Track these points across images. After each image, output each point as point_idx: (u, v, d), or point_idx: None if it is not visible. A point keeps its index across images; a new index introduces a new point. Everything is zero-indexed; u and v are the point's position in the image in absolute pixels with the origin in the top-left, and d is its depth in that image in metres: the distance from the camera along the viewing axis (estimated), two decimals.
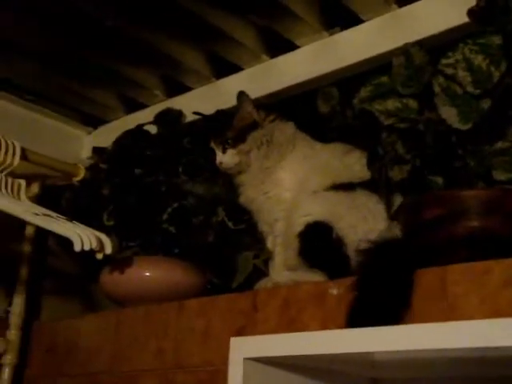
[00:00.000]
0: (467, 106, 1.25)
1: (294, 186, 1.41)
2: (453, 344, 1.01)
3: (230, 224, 1.64)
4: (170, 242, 1.68)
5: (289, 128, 1.47)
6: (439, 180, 1.30)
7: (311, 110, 1.41)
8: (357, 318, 1.07)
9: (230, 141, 1.47)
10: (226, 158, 1.48)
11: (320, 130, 1.40)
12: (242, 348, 1.16)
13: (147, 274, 1.64)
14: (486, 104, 1.24)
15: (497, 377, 1.10)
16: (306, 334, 1.13)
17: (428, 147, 1.27)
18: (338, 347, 1.06)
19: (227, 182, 1.64)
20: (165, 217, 1.67)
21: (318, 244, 1.29)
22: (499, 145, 1.23)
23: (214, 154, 1.52)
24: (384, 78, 1.39)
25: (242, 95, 1.48)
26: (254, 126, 1.47)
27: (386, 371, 1.21)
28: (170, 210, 1.67)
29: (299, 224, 1.31)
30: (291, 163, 1.43)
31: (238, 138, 1.47)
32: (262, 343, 1.14)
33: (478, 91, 1.23)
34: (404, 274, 1.06)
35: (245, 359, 1.13)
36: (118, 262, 1.63)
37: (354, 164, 1.37)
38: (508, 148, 1.22)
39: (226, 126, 1.48)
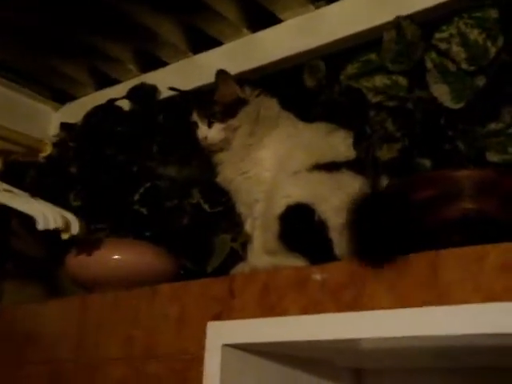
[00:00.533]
0: (460, 84, 1.19)
1: (275, 166, 1.33)
2: (442, 330, 0.95)
3: (205, 207, 1.56)
4: (141, 224, 1.59)
5: (273, 105, 1.39)
6: (427, 162, 1.25)
7: (296, 86, 1.33)
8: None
9: (218, 115, 1.38)
10: (211, 133, 1.38)
11: (306, 106, 1.32)
12: (220, 333, 1.08)
13: (116, 257, 1.55)
14: (480, 82, 1.18)
15: (488, 367, 1.04)
16: (288, 318, 1.06)
17: (417, 127, 1.21)
18: (322, 333, 0.99)
19: (204, 162, 1.56)
20: (136, 197, 1.58)
21: (299, 227, 1.21)
22: (493, 126, 1.17)
23: (194, 129, 1.42)
24: (372, 55, 1.33)
25: (221, 74, 1.39)
26: (244, 101, 1.38)
27: (370, 361, 1.14)
28: (142, 190, 1.58)
29: (279, 206, 1.24)
30: (273, 142, 1.35)
31: (228, 113, 1.37)
32: (241, 328, 1.07)
33: (472, 68, 1.17)
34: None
35: (223, 345, 1.05)
36: (85, 244, 1.54)
37: (338, 143, 1.29)
38: (502, 129, 1.16)
39: (210, 101, 1.38)
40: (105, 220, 1.62)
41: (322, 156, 1.27)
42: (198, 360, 1.25)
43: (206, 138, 1.38)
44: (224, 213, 1.50)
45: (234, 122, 1.37)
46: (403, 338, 0.99)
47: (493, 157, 1.14)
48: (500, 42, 1.13)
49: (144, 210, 1.57)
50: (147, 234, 1.59)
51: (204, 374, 1.11)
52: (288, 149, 1.32)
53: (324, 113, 1.28)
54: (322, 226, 1.19)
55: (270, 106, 1.38)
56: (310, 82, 1.27)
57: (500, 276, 0.97)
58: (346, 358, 1.13)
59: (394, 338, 0.99)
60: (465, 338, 0.95)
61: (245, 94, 1.38)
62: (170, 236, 1.56)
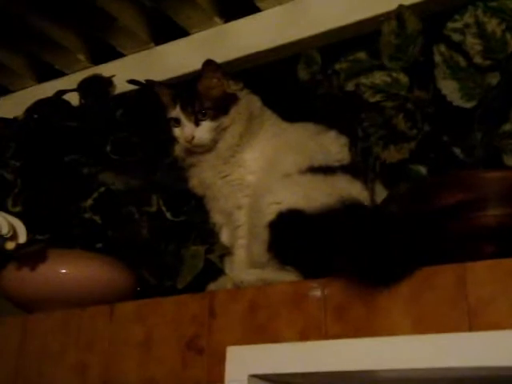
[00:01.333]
0: (471, 81, 1.08)
1: (260, 168, 1.17)
2: (475, 361, 0.82)
3: (168, 215, 1.38)
4: (92, 234, 1.39)
5: (257, 101, 1.24)
6: (422, 169, 1.13)
7: (285, 80, 1.18)
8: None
9: (208, 111, 1.19)
10: (200, 132, 1.19)
11: (298, 101, 1.17)
12: (247, 361, 0.88)
13: (63, 271, 1.33)
14: (493, 79, 1.08)
15: None
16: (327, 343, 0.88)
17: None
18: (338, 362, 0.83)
19: (168, 165, 1.39)
20: (88, 203, 1.38)
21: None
22: (508, 127, 1.07)
23: (170, 128, 1.24)
24: (361, 54, 1.20)
25: (209, 64, 1.20)
26: (234, 96, 1.21)
27: None
28: (95, 195, 1.38)
29: (269, 213, 1.08)
30: (259, 142, 1.19)
31: (219, 110, 1.19)
32: (274, 354, 0.88)
33: (487, 62, 1.06)
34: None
35: (250, 377, 0.86)
36: (25, 256, 1.32)
37: (330, 145, 1.16)
38: None
39: (195, 95, 1.20)
40: (48, 229, 1.41)
41: (314, 158, 1.12)
42: None
43: (192, 137, 1.19)
44: (192, 222, 1.33)
45: (225, 121, 1.19)
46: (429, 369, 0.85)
47: (510, 160, 1.04)
48: None
49: (97, 218, 1.37)
50: (99, 245, 1.39)
51: None
52: (275, 149, 1.17)
53: (321, 108, 1.13)
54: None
55: (254, 102, 1.23)
56: (303, 74, 1.12)
57: None
58: None
59: (418, 370, 0.85)
60: (501, 370, 0.82)
61: (232, 88, 1.21)
62: (128, 248, 1.37)
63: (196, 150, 1.22)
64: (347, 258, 0.96)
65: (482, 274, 0.88)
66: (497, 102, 1.06)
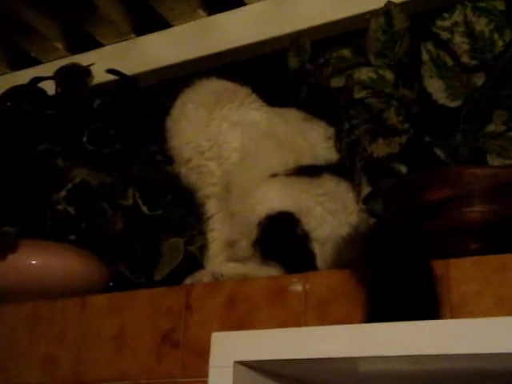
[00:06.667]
0: (457, 81, 1.08)
1: (238, 158, 1.14)
2: (456, 348, 0.81)
3: (144, 209, 1.34)
4: (65, 226, 1.35)
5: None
6: (402, 168, 1.13)
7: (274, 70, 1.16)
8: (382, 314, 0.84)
9: None
10: None
11: (288, 89, 1.15)
12: (232, 348, 0.86)
13: (33, 262, 1.29)
14: (478, 80, 1.08)
15: None
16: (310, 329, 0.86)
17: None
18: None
19: (143, 159, 1.36)
20: (63, 194, 1.34)
21: (281, 237, 1.04)
22: (492, 127, 1.07)
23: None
24: (346, 51, 1.19)
25: None
26: None
27: None
28: (70, 186, 1.34)
29: (258, 212, 1.05)
30: (238, 123, 1.16)
31: None
32: (260, 341, 0.85)
33: (474, 62, 1.06)
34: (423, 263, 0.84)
35: (236, 363, 0.83)
36: None
37: (317, 141, 1.14)
38: (503, 132, 1.06)
39: None
40: (18, 220, 1.36)
41: (302, 157, 1.10)
42: None
43: None
44: (170, 216, 1.30)
45: None
46: (410, 357, 0.84)
47: (494, 160, 1.04)
48: (508, 35, 1.04)
49: (71, 210, 1.33)
50: (72, 237, 1.35)
51: None
52: (256, 140, 1.13)
53: (309, 98, 1.12)
54: (305, 238, 1.02)
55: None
56: (293, 62, 1.11)
57: None
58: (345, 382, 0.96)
59: (399, 358, 0.84)
60: (482, 359, 0.81)
61: None
62: (102, 241, 1.33)
63: None
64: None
65: (466, 270, 0.88)
66: (481, 103, 1.06)
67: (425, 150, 1.10)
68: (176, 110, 1.21)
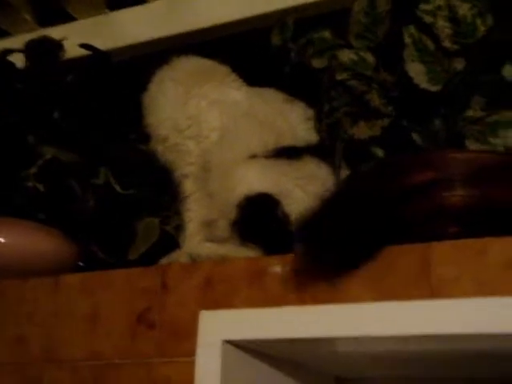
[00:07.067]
0: (438, 65, 1.08)
1: (216, 137, 1.13)
2: (433, 328, 0.82)
3: (117, 188, 1.32)
4: (34, 204, 1.32)
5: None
6: (379, 152, 1.13)
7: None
8: None
9: None
10: None
11: (270, 67, 1.13)
12: (219, 327, 0.85)
13: (1, 239, 1.26)
14: (458, 64, 1.08)
15: (486, 378, 0.93)
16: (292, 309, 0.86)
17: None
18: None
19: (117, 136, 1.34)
20: (33, 171, 1.31)
21: (261, 219, 1.03)
22: (471, 113, 1.07)
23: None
24: (326, 33, 1.19)
25: None
26: None
27: (351, 367, 0.99)
28: (40, 162, 1.31)
29: (239, 192, 1.04)
30: (218, 102, 1.14)
31: None
32: (246, 320, 0.85)
33: (455, 47, 1.06)
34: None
35: (224, 342, 0.82)
36: None
37: (297, 122, 1.13)
38: (482, 117, 1.07)
39: None
40: None
41: (281, 138, 1.09)
42: (115, 367, 1.03)
43: None
44: (144, 195, 1.28)
45: None
46: (386, 338, 0.84)
47: (472, 145, 1.05)
48: (489, 21, 1.04)
49: (41, 187, 1.30)
50: (41, 215, 1.32)
51: (196, 377, 0.87)
52: (235, 118, 1.12)
53: (292, 77, 1.10)
54: (284, 219, 1.02)
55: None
56: (276, 40, 1.09)
57: (504, 273, 0.85)
58: (324, 364, 0.96)
59: (378, 339, 0.84)
60: (462, 339, 0.82)
61: None
62: (73, 219, 1.30)
63: None
64: (309, 240, 0.94)
65: (446, 254, 0.89)
66: (461, 88, 1.06)
67: (402, 135, 1.11)
68: (153, 87, 1.19)
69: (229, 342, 0.83)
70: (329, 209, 0.95)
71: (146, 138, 1.26)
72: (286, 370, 0.94)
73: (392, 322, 0.85)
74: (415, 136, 1.09)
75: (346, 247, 0.91)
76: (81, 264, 1.33)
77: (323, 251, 0.91)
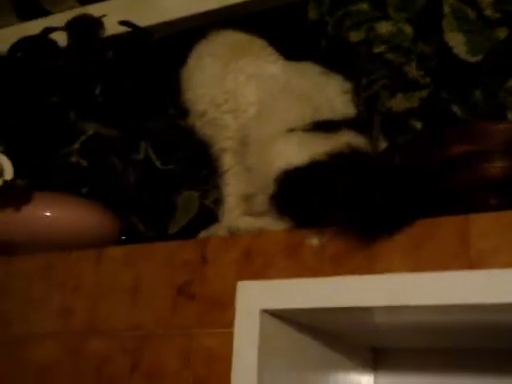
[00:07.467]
0: (479, 35, 1.06)
1: (254, 111, 1.13)
2: (472, 299, 0.81)
3: (157, 164, 1.34)
4: (77, 179, 1.35)
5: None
6: (417, 125, 1.12)
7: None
8: None
9: None
10: None
11: (308, 41, 1.13)
12: (258, 296, 0.86)
13: (47, 214, 1.29)
14: (501, 34, 1.06)
15: None
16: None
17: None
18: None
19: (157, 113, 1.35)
20: (76, 146, 1.33)
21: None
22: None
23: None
24: (363, 5, 1.17)
25: None
26: None
27: (388, 338, 0.99)
28: (83, 138, 1.33)
29: (277, 166, 1.04)
30: (255, 76, 1.15)
31: None
32: (283, 291, 0.86)
33: (497, 15, 1.04)
34: None
35: (262, 311, 0.83)
36: (6, 196, 1.28)
37: (335, 95, 1.12)
38: None
39: None
40: (30, 172, 1.36)
41: (320, 111, 1.09)
42: (158, 338, 1.05)
43: None
44: (183, 170, 1.30)
45: None
46: (423, 308, 0.85)
47: None
48: None
49: (84, 163, 1.33)
50: (84, 190, 1.35)
51: (234, 346, 0.88)
52: (272, 93, 1.12)
53: (328, 50, 1.10)
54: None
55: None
56: (313, 14, 1.09)
57: None
58: (361, 334, 0.97)
59: (414, 308, 0.85)
60: (500, 310, 0.81)
61: None
62: (115, 194, 1.33)
63: None
64: (346, 207, 0.95)
65: (485, 226, 0.88)
66: (503, 57, 1.04)
67: (441, 107, 1.09)
68: (191, 62, 1.20)
69: (266, 311, 0.84)
70: (369, 179, 0.95)
71: (184, 113, 1.27)
72: (322, 340, 0.95)
73: (429, 292, 0.85)
74: (455, 108, 1.08)
75: (385, 214, 0.91)
76: (123, 238, 1.36)
77: (364, 217, 0.93)
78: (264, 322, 0.83)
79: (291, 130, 1.06)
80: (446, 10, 1.06)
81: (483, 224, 0.88)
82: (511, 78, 1.05)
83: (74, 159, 1.34)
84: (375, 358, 1.05)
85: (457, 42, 1.06)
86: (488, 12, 1.03)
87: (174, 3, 1.32)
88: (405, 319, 0.89)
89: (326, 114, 1.09)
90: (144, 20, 1.42)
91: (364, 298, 0.86)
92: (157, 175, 1.33)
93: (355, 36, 1.11)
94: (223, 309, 1.01)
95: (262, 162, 1.06)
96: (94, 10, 1.52)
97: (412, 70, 1.01)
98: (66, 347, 1.13)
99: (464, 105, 1.08)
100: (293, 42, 1.17)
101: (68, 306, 1.15)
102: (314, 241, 0.99)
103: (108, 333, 1.10)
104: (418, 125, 1.11)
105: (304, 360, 0.91)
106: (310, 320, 0.92)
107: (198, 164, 1.25)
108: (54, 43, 1.45)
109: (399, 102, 1.01)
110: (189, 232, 1.17)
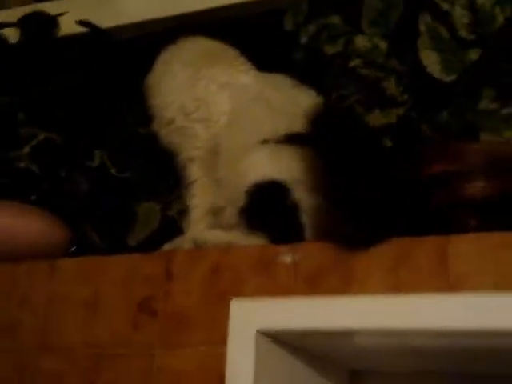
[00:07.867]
0: (452, 55, 1.06)
1: (225, 121, 1.09)
2: (453, 322, 0.80)
3: (113, 171, 1.28)
4: (26, 185, 1.27)
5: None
6: (387, 142, 1.11)
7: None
8: None
9: None
10: None
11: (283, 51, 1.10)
12: (253, 316, 0.81)
13: None
14: (473, 55, 1.06)
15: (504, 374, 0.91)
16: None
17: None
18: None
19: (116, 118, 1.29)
20: (26, 150, 1.26)
21: (270, 206, 0.99)
22: (484, 104, 1.06)
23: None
24: (335, 19, 1.16)
25: None
26: None
27: (368, 360, 0.96)
28: (34, 142, 1.26)
29: (249, 178, 1.00)
30: (228, 85, 1.11)
31: None
32: (282, 309, 0.81)
33: (471, 37, 1.04)
34: None
35: (258, 332, 0.78)
36: None
37: (307, 107, 1.09)
38: (496, 110, 1.05)
39: None
40: None
41: (291, 124, 1.05)
42: (115, 357, 0.99)
43: None
44: (142, 179, 1.24)
45: None
46: (405, 331, 0.82)
47: (485, 137, 1.03)
48: (508, 11, 1.02)
49: (35, 168, 1.25)
50: (33, 197, 1.27)
51: (227, 368, 0.83)
52: (246, 103, 1.08)
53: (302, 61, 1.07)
54: (295, 208, 0.99)
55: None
56: (289, 25, 1.06)
57: None
58: (341, 356, 0.94)
59: (396, 332, 0.82)
60: (484, 336, 0.80)
61: None
62: (66, 202, 1.26)
63: None
64: (325, 220, 0.93)
65: (464, 247, 0.86)
66: (476, 78, 1.05)
67: (411, 125, 1.09)
68: (159, 68, 1.15)
69: (263, 332, 0.79)
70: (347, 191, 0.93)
71: (145, 120, 1.22)
72: (305, 361, 0.91)
73: (405, 315, 0.83)
74: (424, 126, 1.08)
75: (361, 227, 0.89)
76: (73, 248, 1.28)
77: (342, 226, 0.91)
78: (260, 343, 0.79)
79: (264, 142, 1.03)
80: (422, 28, 1.06)
81: (462, 245, 0.86)
82: (483, 99, 1.06)
83: (23, 164, 1.27)
84: (353, 381, 1.02)
85: (431, 60, 1.06)
86: (462, 33, 1.04)
87: (140, 5, 1.26)
88: (383, 342, 0.87)
89: (298, 127, 1.06)
90: (102, 21, 1.36)
91: (340, 320, 0.83)
92: (112, 184, 1.27)
93: (331, 48, 1.09)
94: (187, 328, 0.96)
95: (233, 174, 1.02)
96: (51, 7, 1.44)
97: (391, 87, 1.00)
98: (13, 366, 1.05)
99: (433, 124, 1.08)
100: (266, 52, 1.14)
101: (16, 321, 1.07)
102: (287, 257, 0.95)
103: (60, 350, 1.03)
104: (388, 142, 1.10)
105: (286, 381, 0.87)
106: (288, 339, 0.88)
107: (159, 173, 1.19)
108: (4, 40, 1.37)
109: (376, 118, 1.00)
110: (150, 244, 1.11)
